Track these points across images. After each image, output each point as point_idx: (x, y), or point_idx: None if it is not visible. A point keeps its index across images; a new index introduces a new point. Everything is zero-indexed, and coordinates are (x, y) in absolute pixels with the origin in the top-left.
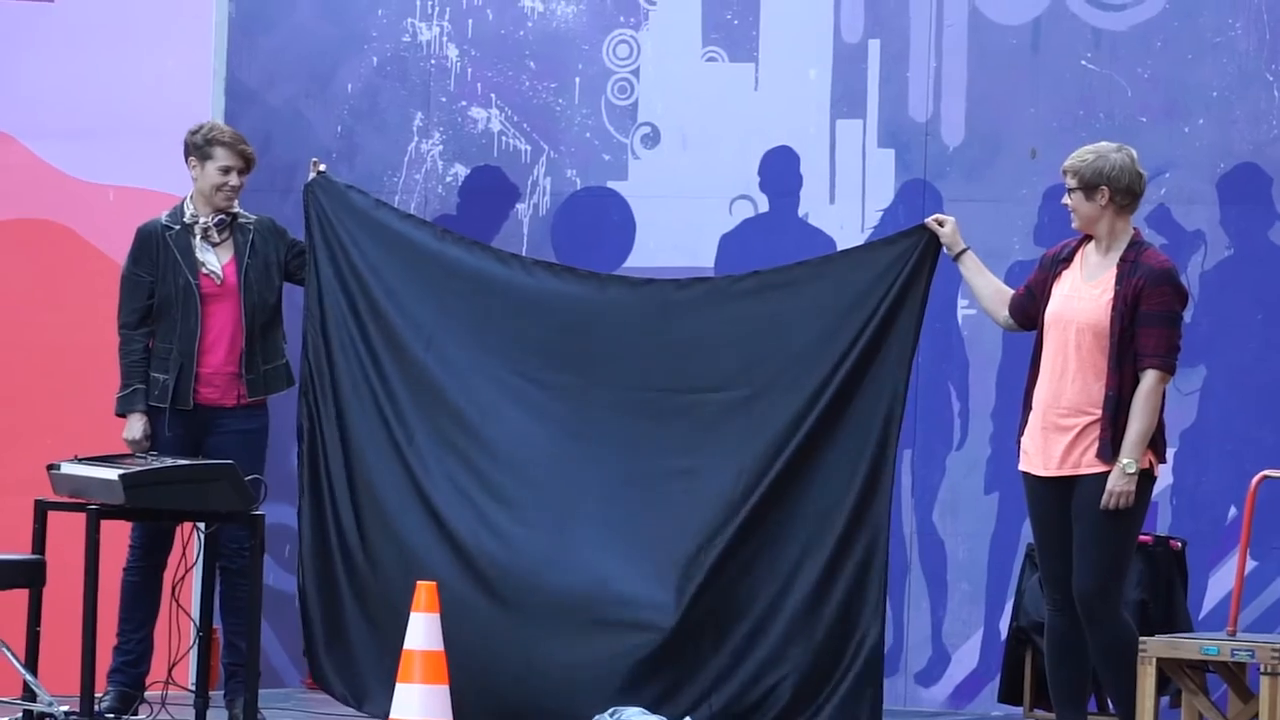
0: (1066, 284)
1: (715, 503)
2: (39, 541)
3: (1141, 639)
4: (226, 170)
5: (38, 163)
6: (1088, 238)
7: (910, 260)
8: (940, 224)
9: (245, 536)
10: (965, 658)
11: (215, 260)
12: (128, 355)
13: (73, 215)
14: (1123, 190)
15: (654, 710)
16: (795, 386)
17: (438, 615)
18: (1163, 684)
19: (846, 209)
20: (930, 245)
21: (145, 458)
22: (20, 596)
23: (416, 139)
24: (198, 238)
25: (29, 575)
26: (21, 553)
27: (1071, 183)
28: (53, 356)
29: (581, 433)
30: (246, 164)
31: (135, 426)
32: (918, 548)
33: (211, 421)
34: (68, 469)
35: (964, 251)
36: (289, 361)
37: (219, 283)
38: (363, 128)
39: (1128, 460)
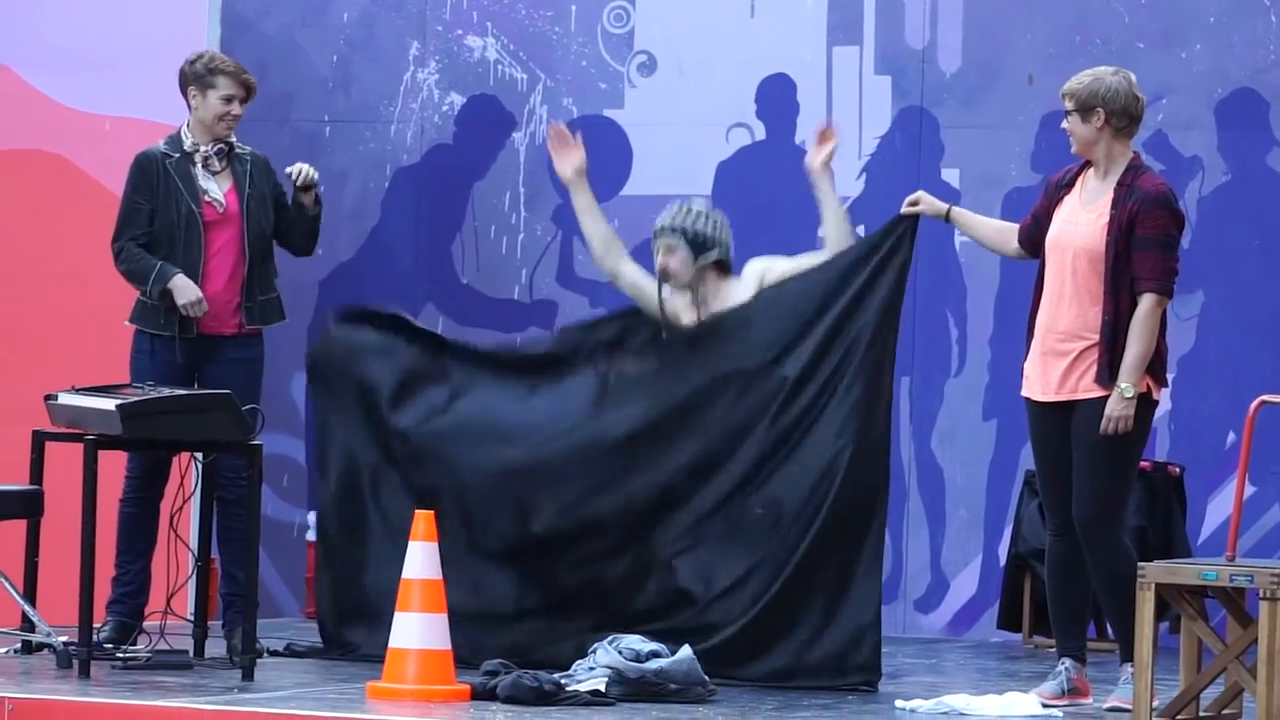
0: (1066, 209)
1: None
2: (36, 472)
3: (1140, 564)
4: (229, 99)
5: (34, 93)
6: (1089, 163)
7: (892, 240)
8: (915, 203)
9: (242, 466)
10: (964, 585)
11: (217, 188)
12: (134, 255)
13: (69, 146)
14: (1119, 113)
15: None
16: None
17: (435, 544)
18: (1161, 610)
19: (844, 136)
20: (910, 226)
21: (142, 387)
22: (18, 527)
23: (412, 68)
24: (198, 166)
25: (27, 506)
26: (19, 483)
27: (1069, 105)
28: (49, 287)
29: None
30: (248, 93)
31: (188, 288)
32: (916, 475)
33: (210, 351)
34: (65, 399)
35: (950, 209)
36: (281, 295)
37: (221, 210)
38: (358, 57)
39: (1125, 384)
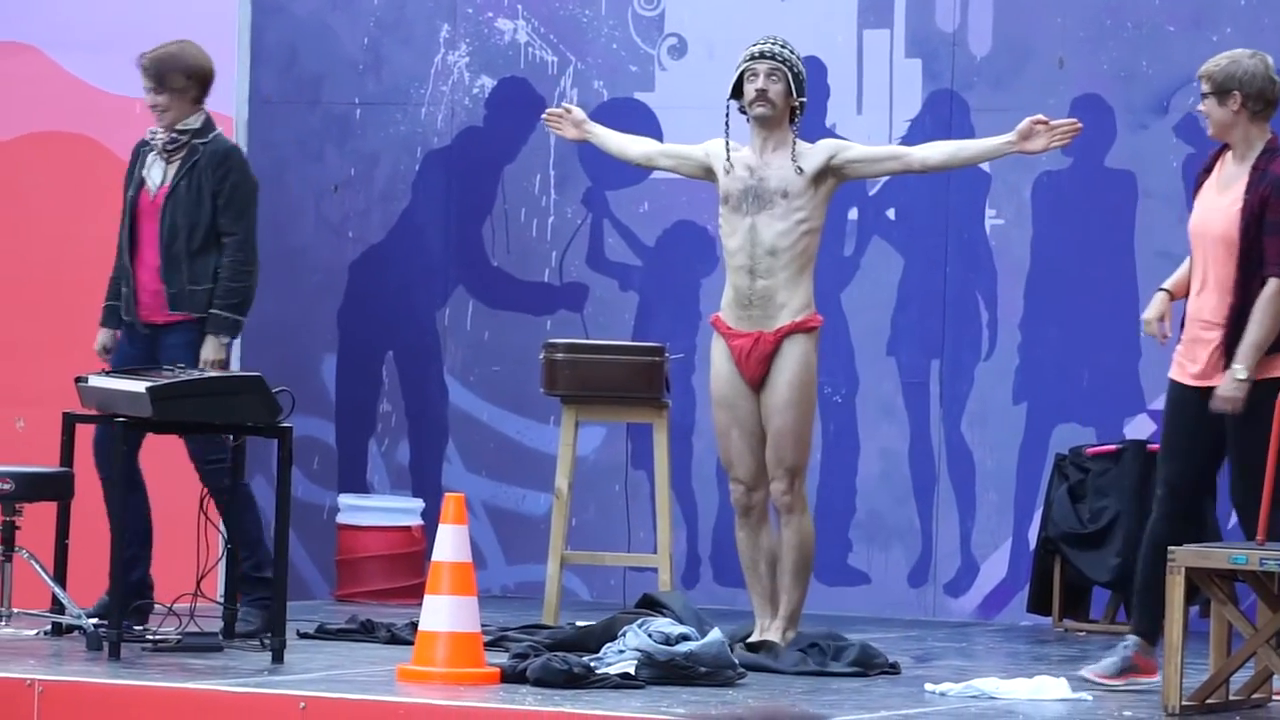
0: (1204, 195)
1: None
2: (67, 454)
3: (1170, 549)
4: (147, 90)
5: (64, 75)
6: (1228, 146)
7: None
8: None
9: (216, 449)
10: (994, 568)
11: (158, 177)
12: (116, 268)
13: (99, 128)
14: (1254, 95)
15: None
16: None
17: (465, 527)
18: (1191, 593)
19: (874, 119)
20: None
21: (173, 369)
22: (49, 509)
23: (443, 50)
24: (153, 153)
25: (57, 488)
26: (50, 465)
27: (1205, 88)
28: (79, 269)
29: None
30: (155, 83)
31: (100, 338)
32: (946, 458)
33: (153, 340)
34: (95, 382)
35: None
36: (208, 290)
37: (151, 199)
38: (389, 39)
39: (1239, 366)
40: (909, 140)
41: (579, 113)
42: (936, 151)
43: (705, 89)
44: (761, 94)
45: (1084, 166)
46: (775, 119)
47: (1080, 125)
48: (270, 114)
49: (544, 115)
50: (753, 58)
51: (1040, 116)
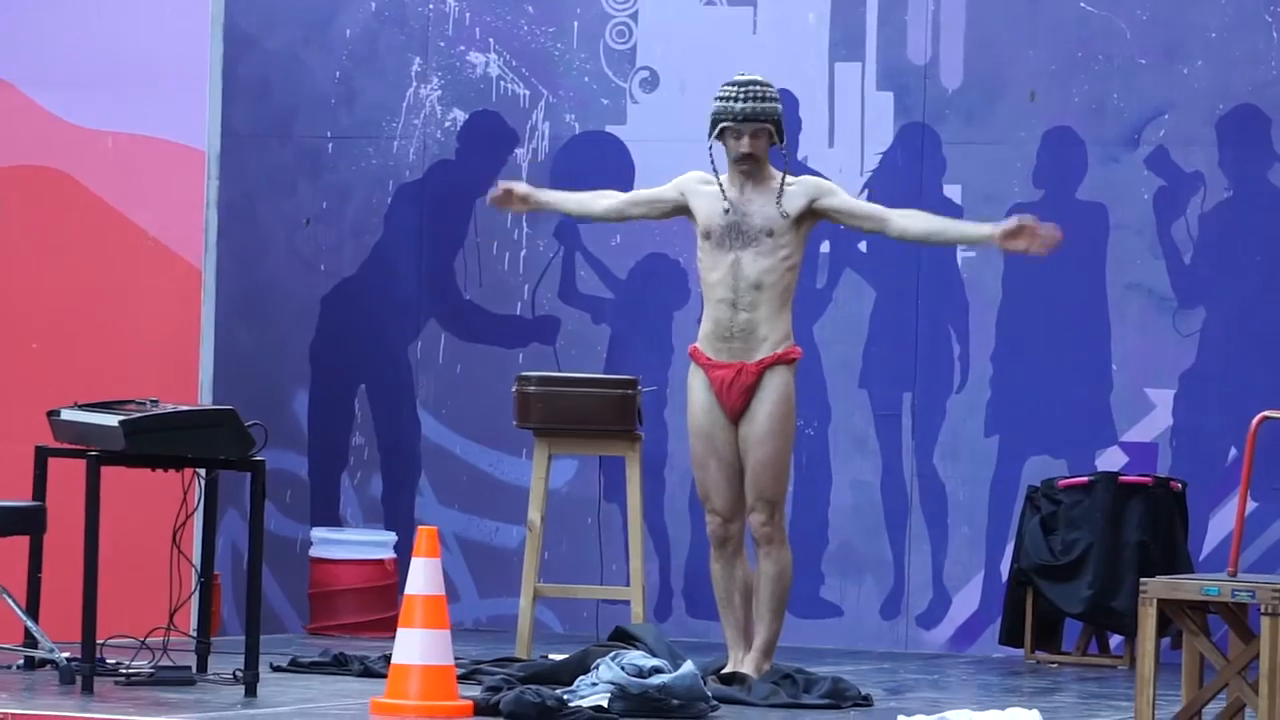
0: None
1: None
2: (39, 488)
3: (1142, 580)
4: None
5: (37, 109)
6: None
7: None
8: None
9: None
10: (966, 600)
11: None
12: None
13: (72, 162)
14: None
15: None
16: None
17: (438, 560)
18: (1163, 625)
19: (846, 152)
20: None
21: (144, 404)
22: (21, 543)
23: (415, 84)
24: None
25: (30, 522)
26: (22, 499)
27: None
28: (52, 302)
29: None
30: None
31: None
32: (918, 491)
33: None
34: (68, 415)
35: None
36: None
37: None
38: (361, 73)
39: None
40: (880, 175)
41: (521, 186)
42: (916, 224)
43: (677, 122)
44: (747, 156)
45: (1055, 199)
46: (761, 165)
47: (1061, 235)
48: (242, 147)
49: (488, 199)
50: (735, 117)
51: (1028, 218)
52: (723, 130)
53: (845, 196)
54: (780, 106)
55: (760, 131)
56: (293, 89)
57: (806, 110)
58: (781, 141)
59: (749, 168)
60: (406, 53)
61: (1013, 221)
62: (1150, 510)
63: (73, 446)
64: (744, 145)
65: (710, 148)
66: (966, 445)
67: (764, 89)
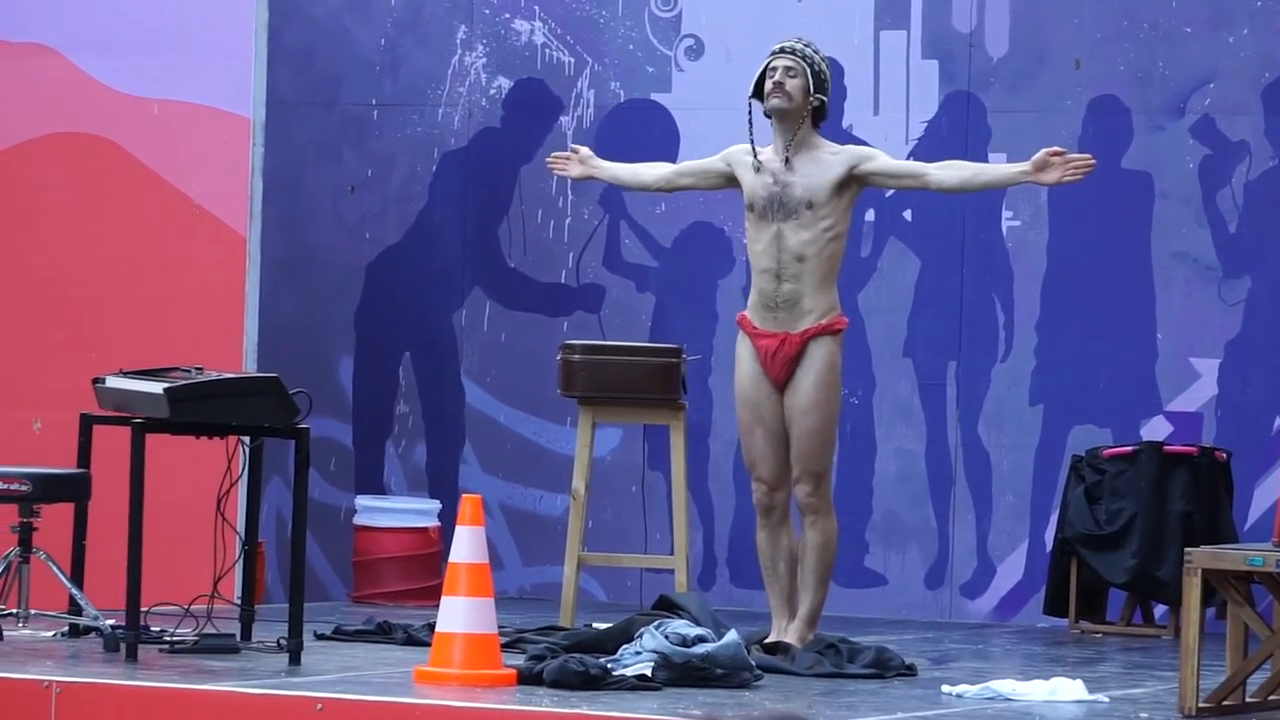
0: None
1: None
2: (84, 455)
3: (1186, 550)
4: None
5: (82, 77)
6: None
7: None
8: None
9: None
10: (1010, 570)
11: None
12: None
13: (117, 129)
14: None
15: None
16: None
17: (482, 528)
18: (1208, 595)
19: (890, 120)
20: None
21: (189, 371)
22: (66, 511)
23: (460, 51)
24: None
25: (74, 489)
26: (67, 466)
27: None
28: (97, 270)
29: None
30: None
31: None
32: (963, 460)
33: None
34: (113, 382)
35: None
36: None
37: None
38: (406, 40)
39: None
40: (925, 143)
41: (585, 151)
42: (953, 174)
43: (722, 90)
44: (778, 86)
45: (1101, 168)
46: (793, 115)
47: (1094, 161)
48: (287, 115)
49: (548, 160)
50: (773, 53)
51: (1056, 148)
52: (763, 79)
53: (885, 159)
54: (821, 60)
55: (795, 67)
56: (338, 56)
57: (851, 78)
58: (818, 94)
59: (780, 101)
60: (451, 20)
61: (1041, 154)
62: (1195, 480)
63: (117, 414)
64: (777, 75)
65: (749, 114)
66: (1011, 414)
67: (807, 43)
